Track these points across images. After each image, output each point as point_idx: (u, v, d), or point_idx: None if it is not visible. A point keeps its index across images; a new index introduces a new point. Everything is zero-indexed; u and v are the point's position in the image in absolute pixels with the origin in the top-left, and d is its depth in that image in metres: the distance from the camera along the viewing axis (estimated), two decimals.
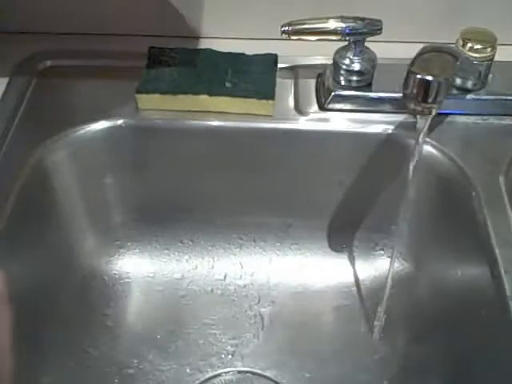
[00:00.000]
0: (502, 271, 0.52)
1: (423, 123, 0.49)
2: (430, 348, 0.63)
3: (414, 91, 0.46)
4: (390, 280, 0.58)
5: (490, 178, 0.59)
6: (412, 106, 0.47)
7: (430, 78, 0.46)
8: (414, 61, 0.47)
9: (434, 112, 0.48)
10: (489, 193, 0.58)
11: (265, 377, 0.63)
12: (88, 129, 0.63)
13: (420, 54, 0.47)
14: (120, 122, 0.63)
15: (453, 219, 0.62)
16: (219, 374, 0.63)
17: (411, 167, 0.52)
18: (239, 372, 0.64)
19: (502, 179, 0.59)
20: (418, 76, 0.46)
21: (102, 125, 0.63)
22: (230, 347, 0.65)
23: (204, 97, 0.63)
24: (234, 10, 0.70)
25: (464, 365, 0.58)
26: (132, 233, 0.71)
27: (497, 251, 0.53)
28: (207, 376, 0.63)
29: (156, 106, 0.63)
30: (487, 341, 0.53)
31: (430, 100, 0.46)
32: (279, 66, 0.67)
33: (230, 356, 0.65)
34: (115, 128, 0.63)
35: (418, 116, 0.49)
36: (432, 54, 0.48)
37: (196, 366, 0.64)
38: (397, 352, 0.65)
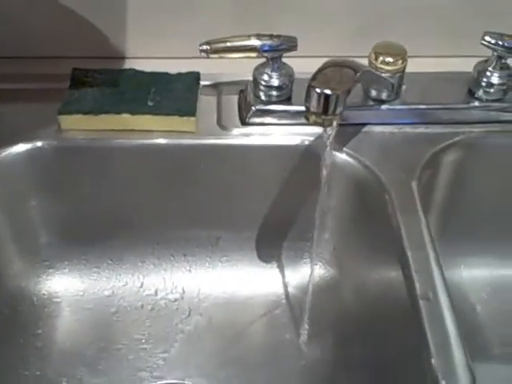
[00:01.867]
0: (413, 272, 0.54)
1: (328, 134, 0.51)
2: (354, 350, 0.65)
3: (314, 104, 0.48)
4: (311, 286, 0.60)
5: (403, 184, 0.61)
6: (313, 118, 0.49)
7: (328, 91, 0.48)
8: (314, 76, 0.50)
9: (334, 123, 0.50)
10: (402, 198, 0.60)
11: None
12: (9, 151, 0.63)
13: (321, 69, 0.50)
14: (42, 143, 0.63)
15: (370, 224, 0.64)
16: None
17: (324, 174, 0.54)
18: None
19: (414, 185, 0.62)
20: (318, 90, 0.48)
21: (23, 147, 0.63)
22: (160, 361, 0.66)
23: (126, 116, 0.64)
24: (157, 30, 0.72)
25: (384, 362, 0.60)
26: (61, 252, 0.70)
27: (409, 253, 0.55)
28: None
29: (79, 127, 0.64)
30: (403, 337, 0.55)
31: (329, 112, 0.49)
32: (203, 83, 0.69)
33: (160, 370, 0.65)
34: (37, 150, 0.63)
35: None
36: (332, 68, 0.50)
37: (126, 381, 0.64)
38: (324, 356, 0.67)
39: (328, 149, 0.52)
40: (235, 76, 0.71)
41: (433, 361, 0.48)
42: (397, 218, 0.58)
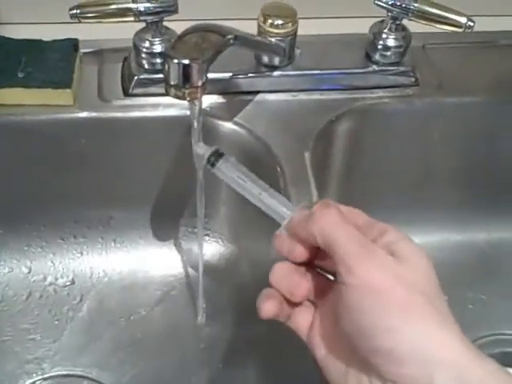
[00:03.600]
0: None
1: (196, 107, 0.47)
2: (253, 326, 0.62)
3: (173, 76, 0.44)
4: (201, 264, 0.57)
5: (295, 155, 0.59)
6: (173, 91, 0.44)
7: (186, 61, 0.44)
8: (173, 44, 0.45)
9: (198, 96, 0.46)
10: (294, 170, 0.58)
11: (88, 378, 0.61)
12: None
13: (181, 36, 0.45)
14: None
15: None
16: (37, 381, 0.60)
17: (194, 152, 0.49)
18: (62, 376, 0.61)
19: (307, 155, 0.59)
20: (175, 60, 0.43)
21: None
22: (49, 352, 0.62)
23: None
24: None
25: (281, 337, 0.58)
26: None
27: None
28: None
29: None
30: None
31: (190, 85, 0.44)
32: (83, 51, 0.64)
33: (49, 361, 0.62)
34: None
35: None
36: (194, 34, 0.46)
37: (12, 375, 0.60)
38: (223, 335, 0.64)
39: (195, 125, 0.47)
40: (120, 42, 0.65)
41: None
42: (288, 191, 0.56)
